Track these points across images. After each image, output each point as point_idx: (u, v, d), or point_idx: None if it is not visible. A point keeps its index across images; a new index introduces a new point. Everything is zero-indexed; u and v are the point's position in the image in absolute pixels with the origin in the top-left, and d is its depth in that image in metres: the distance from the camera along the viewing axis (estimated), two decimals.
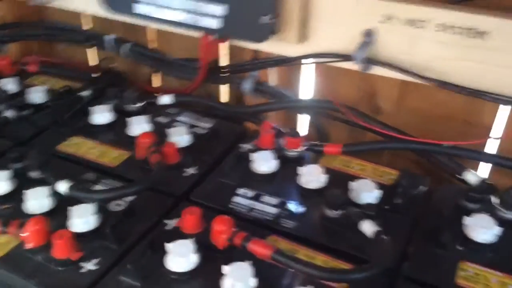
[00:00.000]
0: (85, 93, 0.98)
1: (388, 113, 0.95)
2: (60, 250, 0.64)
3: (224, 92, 1.10)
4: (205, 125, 0.94)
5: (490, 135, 0.86)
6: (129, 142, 0.87)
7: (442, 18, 0.73)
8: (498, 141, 0.87)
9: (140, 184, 0.73)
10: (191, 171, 0.82)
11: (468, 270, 0.65)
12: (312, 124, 0.97)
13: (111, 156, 0.86)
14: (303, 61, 0.86)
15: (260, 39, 0.83)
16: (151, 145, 0.80)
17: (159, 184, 0.77)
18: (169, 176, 0.80)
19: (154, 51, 1.04)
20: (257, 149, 0.85)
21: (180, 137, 0.87)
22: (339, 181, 0.78)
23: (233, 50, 1.02)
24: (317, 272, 0.60)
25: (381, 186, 0.77)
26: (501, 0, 0.73)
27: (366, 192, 0.75)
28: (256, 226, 0.72)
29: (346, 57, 0.80)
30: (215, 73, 0.97)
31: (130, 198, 0.75)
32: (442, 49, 0.74)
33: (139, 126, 0.89)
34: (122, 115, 0.94)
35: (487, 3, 0.74)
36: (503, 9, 0.71)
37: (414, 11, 0.74)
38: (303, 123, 1.04)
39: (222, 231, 0.65)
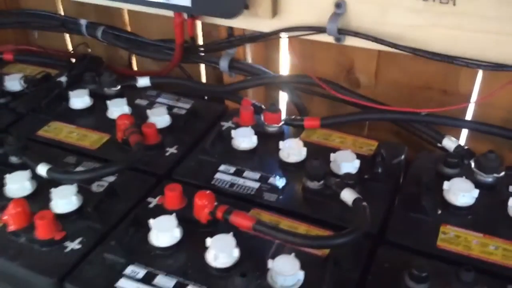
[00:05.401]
0: (63, 79, 0.97)
1: (367, 86, 0.96)
2: (43, 230, 0.64)
3: (202, 72, 1.10)
4: (184, 105, 0.94)
5: (466, 101, 0.87)
6: (108, 125, 0.86)
7: None
8: (473, 107, 0.88)
9: (118, 164, 0.73)
10: (172, 150, 0.82)
11: (449, 233, 0.67)
12: (291, 100, 0.97)
13: (91, 139, 0.85)
14: (276, 35, 0.85)
15: (232, 14, 0.82)
16: (130, 126, 0.80)
17: (140, 163, 0.78)
18: (150, 155, 0.80)
19: (130, 33, 1.03)
20: (237, 126, 0.86)
21: (159, 117, 0.86)
22: (319, 154, 0.78)
23: (208, 29, 1.02)
24: (298, 240, 0.61)
25: (361, 156, 0.77)
26: None
27: (346, 163, 0.76)
28: (239, 200, 0.72)
29: (319, 29, 0.80)
30: (191, 53, 0.96)
31: (111, 179, 0.75)
32: (413, 17, 0.75)
33: (118, 108, 0.89)
34: (100, 99, 0.93)
35: None
36: None
37: None
38: (283, 99, 1.04)
39: (204, 205, 0.65)
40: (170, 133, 0.86)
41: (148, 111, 0.87)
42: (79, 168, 0.78)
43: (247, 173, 0.77)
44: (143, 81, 0.96)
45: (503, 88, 0.74)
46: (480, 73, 0.85)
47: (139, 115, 0.86)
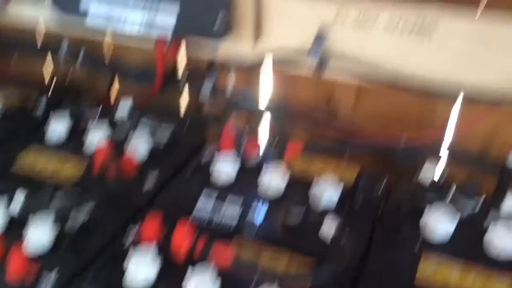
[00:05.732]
0: (41, 106, 0.96)
1: (346, 115, 0.97)
2: (15, 270, 0.62)
3: (184, 99, 1.10)
4: (165, 133, 0.93)
5: (444, 132, 0.88)
6: (86, 155, 0.85)
7: (391, 15, 0.74)
8: (451, 137, 0.89)
9: (96, 197, 0.72)
10: (151, 179, 0.82)
11: (428, 265, 0.67)
12: (273, 128, 0.97)
13: (68, 170, 0.84)
14: (258, 63, 0.86)
15: (216, 36, 0.82)
16: (108, 157, 0.79)
17: (118, 195, 0.76)
18: (128, 186, 0.79)
19: (110, 60, 1.03)
20: (218, 155, 0.85)
21: (139, 146, 0.86)
22: (300, 183, 0.78)
23: (190, 57, 1.02)
24: (277, 280, 0.61)
25: (342, 185, 0.78)
26: None
27: (326, 193, 0.76)
28: (219, 232, 0.71)
29: (301, 54, 0.80)
30: (173, 80, 0.96)
31: (88, 212, 0.74)
32: (392, 47, 0.76)
33: (96, 138, 0.88)
34: (78, 128, 0.92)
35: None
36: (449, 6, 0.73)
37: (365, 8, 0.75)
38: (265, 127, 1.04)
39: (183, 238, 0.65)
40: (149, 162, 0.85)
41: (128, 140, 0.87)
42: (55, 201, 0.76)
43: (228, 202, 0.77)
44: (123, 109, 0.95)
45: (480, 118, 0.76)
46: (457, 104, 0.87)
47: (118, 144, 0.85)
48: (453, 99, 0.76)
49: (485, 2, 0.75)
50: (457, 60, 0.73)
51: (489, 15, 0.70)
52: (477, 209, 0.74)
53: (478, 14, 0.70)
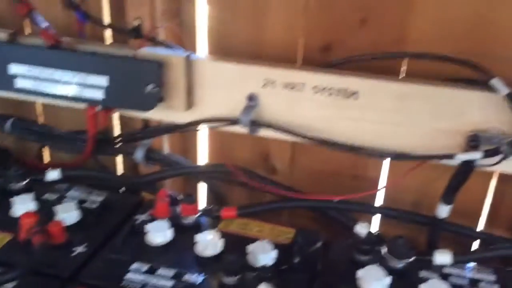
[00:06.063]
0: None
1: (283, 172, 0.98)
2: None
3: (118, 163, 1.08)
4: (97, 198, 0.90)
5: (376, 187, 0.90)
6: (12, 224, 0.80)
7: (317, 81, 0.77)
8: (383, 192, 0.92)
9: (18, 269, 0.67)
10: (80, 249, 0.78)
11: None
12: (210, 189, 0.96)
13: None
14: (192, 127, 0.86)
15: (146, 108, 0.83)
16: (35, 225, 0.75)
17: (43, 266, 0.72)
18: (55, 257, 0.75)
19: (41, 125, 1.00)
20: (152, 219, 0.83)
21: (68, 213, 0.82)
22: (236, 245, 0.77)
23: (124, 120, 1.01)
24: None
25: (278, 246, 0.77)
26: (370, 63, 0.80)
27: (263, 254, 0.75)
28: None
29: (232, 121, 0.82)
30: (106, 144, 0.94)
31: (10, 285, 0.69)
32: (320, 110, 0.79)
33: (23, 205, 0.84)
34: (5, 195, 0.88)
35: (357, 66, 0.80)
36: (371, 71, 0.78)
37: (292, 75, 0.78)
38: (202, 189, 1.03)
39: None
40: (79, 230, 0.81)
41: (56, 207, 0.83)
42: None
43: (161, 271, 0.74)
44: (53, 174, 0.92)
45: (407, 174, 0.78)
46: (386, 160, 0.90)
47: (46, 212, 0.82)
48: (382, 156, 0.78)
49: (405, 71, 0.81)
50: (382, 119, 0.76)
51: (408, 82, 0.75)
52: (410, 264, 0.74)
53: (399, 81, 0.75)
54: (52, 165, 0.99)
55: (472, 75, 0.72)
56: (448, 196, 0.76)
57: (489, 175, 0.85)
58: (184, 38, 0.91)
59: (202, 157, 1.03)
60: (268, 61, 0.83)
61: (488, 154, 0.70)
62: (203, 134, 1.00)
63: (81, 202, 0.87)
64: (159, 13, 0.86)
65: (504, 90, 0.68)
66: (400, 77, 0.81)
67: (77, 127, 0.98)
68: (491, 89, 0.69)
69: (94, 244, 0.79)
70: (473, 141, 0.72)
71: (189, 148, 1.03)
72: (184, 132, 0.90)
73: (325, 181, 0.95)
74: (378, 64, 0.80)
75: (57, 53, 0.86)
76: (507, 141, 0.69)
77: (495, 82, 0.69)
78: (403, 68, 0.82)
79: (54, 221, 0.79)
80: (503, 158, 0.69)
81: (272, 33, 0.87)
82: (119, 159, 1.08)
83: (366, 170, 0.92)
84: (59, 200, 0.89)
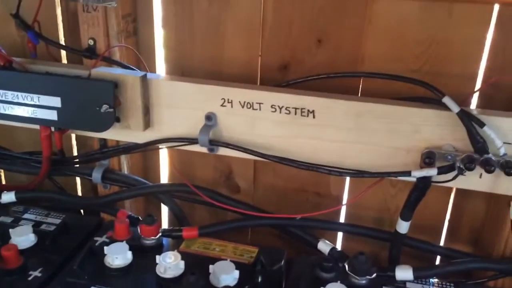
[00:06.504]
0: None
1: (246, 190, 0.98)
2: None
3: (78, 184, 1.05)
4: (54, 220, 0.88)
5: (339, 204, 0.91)
6: None
7: (275, 100, 0.78)
8: (345, 209, 0.92)
9: None
10: (36, 273, 0.75)
11: None
12: (170, 209, 0.95)
13: None
14: (151, 146, 0.85)
15: (102, 128, 0.81)
16: None
17: None
18: (9, 282, 0.72)
19: None
20: (112, 241, 0.81)
21: (23, 237, 0.80)
22: (198, 266, 0.76)
23: (81, 140, 0.99)
24: None
25: (241, 265, 0.76)
26: (327, 82, 0.81)
27: (225, 274, 0.74)
28: None
29: (191, 141, 0.81)
30: (62, 164, 0.92)
31: None
32: (278, 128, 0.79)
33: None
34: None
35: (315, 85, 0.81)
36: (328, 90, 0.79)
37: (249, 94, 0.79)
38: (164, 210, 1.02)
39: None
40: (35, 254, 0.79)
41: (10, 231, 0.80)
42: None
43: None
44: (8, 197, 0.89)
45: (367, 191, 0.79)
46: (346, 177, 0.91)
47: (0, 236, 0.79)
48: (339, 175, 0.79)
49: (360, 91, 0.82)
50: (339, 136, 0.78)
51: (364, 100, 0.76)
52: (371, 280, 0.75)
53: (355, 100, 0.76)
54: (7, 187, 0.96)
55: (428, 93, 0.74)
56: (406, 213, 0.77)
57: (448, 190, 0.87)
58: (143, 58, 0.91)
59: (163, 177, 1.01)
60: (228, 80, 0.83)
61: (443, 170, 0.72)
62: (163, 153, 0.99)
63: (37, 225, 0.85)
64: (114, 33, 0.86)
65: (455, 108, 0.70)
66: (356, 96, 0.83)
67: (34, 147, 0.96)
68: (445, 107, 0.71)
69: (51, 268, 0.77)
70: (428, 158, 0.73)
71: (150, 168, 1.01)
72: (143, 152, 0.89)
73: (289, 198, 0.96)
74: (335, 83, 0.81)
75: (8, 74, 0.84)
76: (461, 158, 0.71)
77: (446, 100, 0.71)
78: (360, 87, 0.84)
79: (9, 244, 0.76)
80: (458, 174, 0.71)
81: (230, 53, 0.88)
82: (79, 180, 1.05)
83: (328, 187, 0.93)
84: (14, 223, 0.86)
